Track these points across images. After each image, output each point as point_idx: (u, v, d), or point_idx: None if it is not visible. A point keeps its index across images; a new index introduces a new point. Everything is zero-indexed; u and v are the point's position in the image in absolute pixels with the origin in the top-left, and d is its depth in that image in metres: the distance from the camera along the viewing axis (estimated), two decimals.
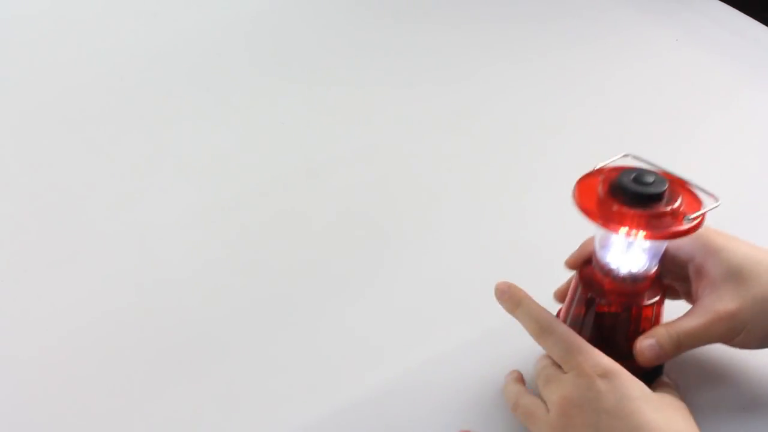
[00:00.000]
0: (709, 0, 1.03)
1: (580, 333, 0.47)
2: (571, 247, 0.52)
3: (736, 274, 0.46)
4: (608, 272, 0.48)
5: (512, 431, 0.50)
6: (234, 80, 0.85)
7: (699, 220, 0.44)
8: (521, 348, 0.53)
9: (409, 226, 0.68)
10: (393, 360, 0.56)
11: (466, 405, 0.53)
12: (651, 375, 0.48)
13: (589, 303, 0.48)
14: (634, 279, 0.47)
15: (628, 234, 0.44)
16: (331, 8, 0.98)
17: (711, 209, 0.44)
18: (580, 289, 0.49)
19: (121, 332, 0.58)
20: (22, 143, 0.75)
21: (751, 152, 0.77)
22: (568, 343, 0.45)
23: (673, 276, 0.51)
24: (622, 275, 0.47)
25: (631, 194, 0.44)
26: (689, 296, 0.50)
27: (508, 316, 0.49)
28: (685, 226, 0.43)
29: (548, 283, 0.53)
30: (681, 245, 0.49)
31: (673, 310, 0.50)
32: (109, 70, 0.85)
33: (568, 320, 0.50)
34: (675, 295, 0.52)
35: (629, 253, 0.47)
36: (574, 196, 0.46)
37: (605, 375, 0.43)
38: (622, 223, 0.44)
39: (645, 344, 0.46)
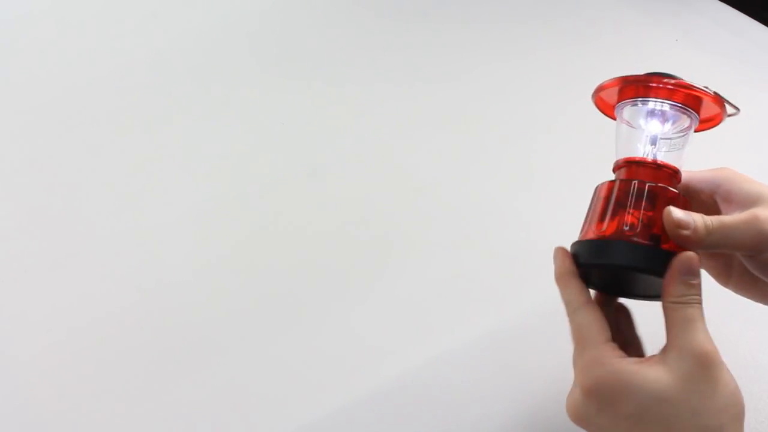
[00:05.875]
0: (709, 0, 1.03)
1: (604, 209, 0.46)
2: (568, 243, 0.52)
3: (766, 197, 0.46)
4: (638, 163, 0.48)
5: (513, 430, 0.50)
6: (234, 81, 0.85)
7: (717, 95, 0.46)
8: (522, 348, 0.53)
9: (411, 226, 0.68)
10: (392, 360, 0.56)
11: (467, 405, 0.53)
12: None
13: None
14: (660, 167, 0.48)
15: (657, 92, 0.47)
16: (331, 9, 0.98)
17: (731, 103, 0.48)
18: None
19: (121, 332, 0.58)
20: (22, 143, 0.75)
21: (751, 152, 0.77)
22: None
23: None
24: (651, 161, 0.48)
25: (652, 74, 0.47)
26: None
27: (509, 317, 0.49)
28: (707, 91, 0.46)
29: (546, 280, 0.53)
30: (706, 178, 0.49)
31: None
32: (109, 71, 0.85)
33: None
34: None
35: (653, 123, 0.48)
36: (595, 92, 0.49)
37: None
38: (650, 87, 0.47)
39: (675, 209, 0.44)
